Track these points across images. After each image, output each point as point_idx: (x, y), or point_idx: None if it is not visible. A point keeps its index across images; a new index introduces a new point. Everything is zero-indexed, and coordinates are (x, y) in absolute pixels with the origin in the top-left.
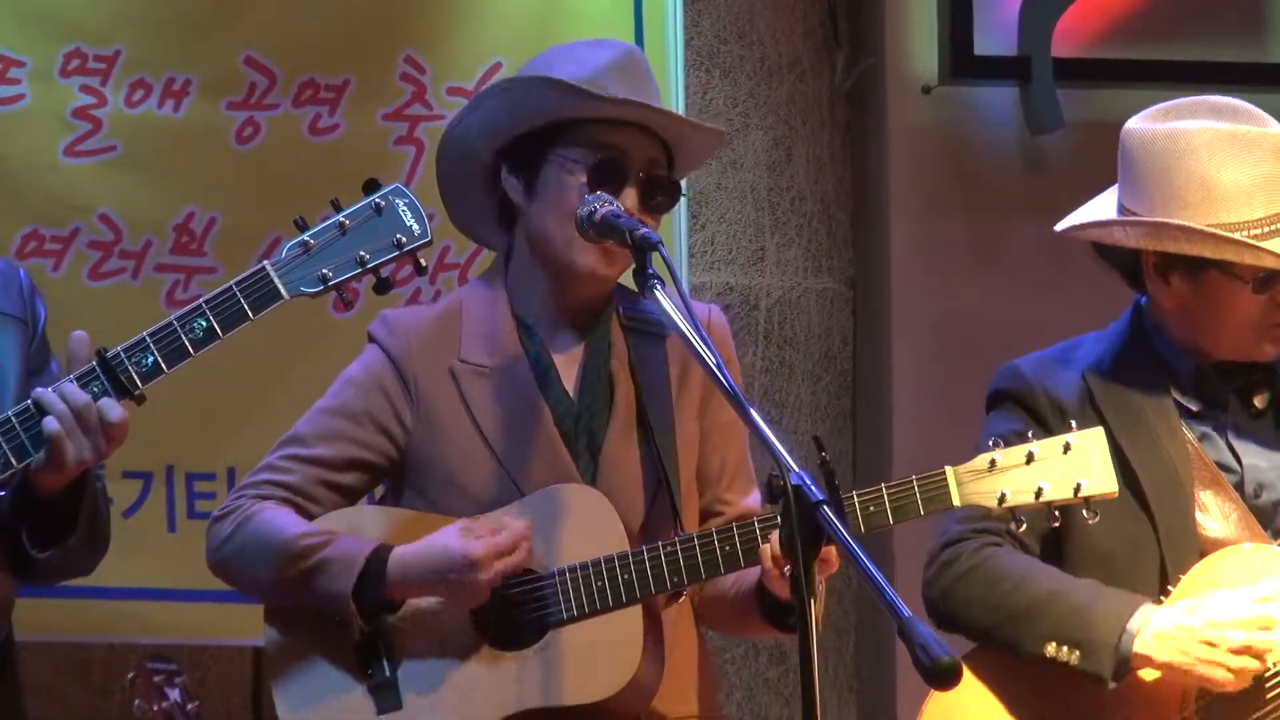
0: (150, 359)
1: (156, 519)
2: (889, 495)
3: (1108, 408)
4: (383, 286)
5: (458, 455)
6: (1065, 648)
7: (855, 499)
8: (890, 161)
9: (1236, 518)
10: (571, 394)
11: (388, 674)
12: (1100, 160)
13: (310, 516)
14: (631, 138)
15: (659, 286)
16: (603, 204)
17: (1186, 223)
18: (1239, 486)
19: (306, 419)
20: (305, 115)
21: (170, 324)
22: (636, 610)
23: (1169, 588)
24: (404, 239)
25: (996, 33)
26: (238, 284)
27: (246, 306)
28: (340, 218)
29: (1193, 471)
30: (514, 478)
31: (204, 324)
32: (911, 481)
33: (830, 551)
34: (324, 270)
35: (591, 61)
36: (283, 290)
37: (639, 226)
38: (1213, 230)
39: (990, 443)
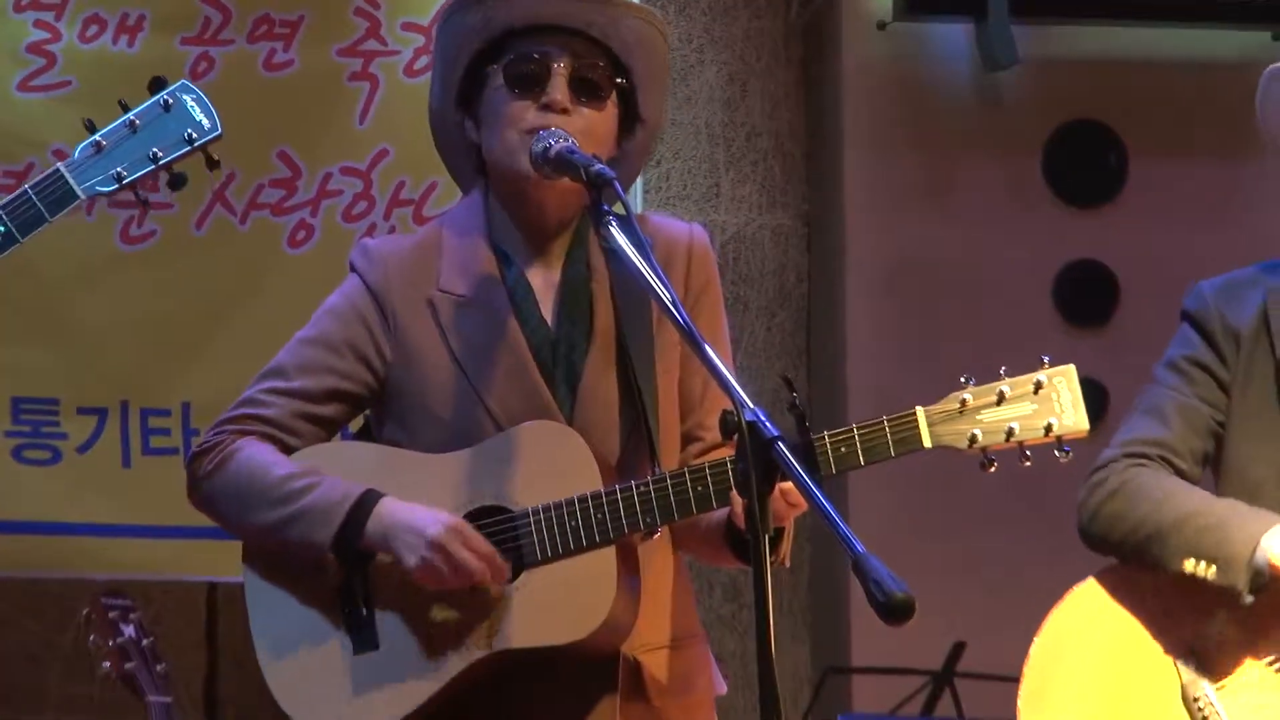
0: None
1: (111, 455)
2: (860, 436)
3: (1278, 330)
4: (177, 182)
5: (435, 386)
6: (1203, 563)
7: (827, 439)
8: (845, 98)
9: None
10: (550, 322)
11: (365, 615)
12: (1055, 97)
13: (290, 450)
14: (551, 39)
15: (614, 221)
16: (557, 140)
17: None
18: None
19: (287, 349)
20: (260, 51)
21: None
22: (610, 550)
23: None
24: (194, 134)
25: None
26: (32, 187)
27: (43, 208)
28: (130, 116)
29: None
30: (489, 409)
31: (1, 229)
32: (883, 422)
33: (794, 492)
34: (118, 169)
35: None
36: (78, 190)
37: (594, 162)
38: None
39: (962, 380)
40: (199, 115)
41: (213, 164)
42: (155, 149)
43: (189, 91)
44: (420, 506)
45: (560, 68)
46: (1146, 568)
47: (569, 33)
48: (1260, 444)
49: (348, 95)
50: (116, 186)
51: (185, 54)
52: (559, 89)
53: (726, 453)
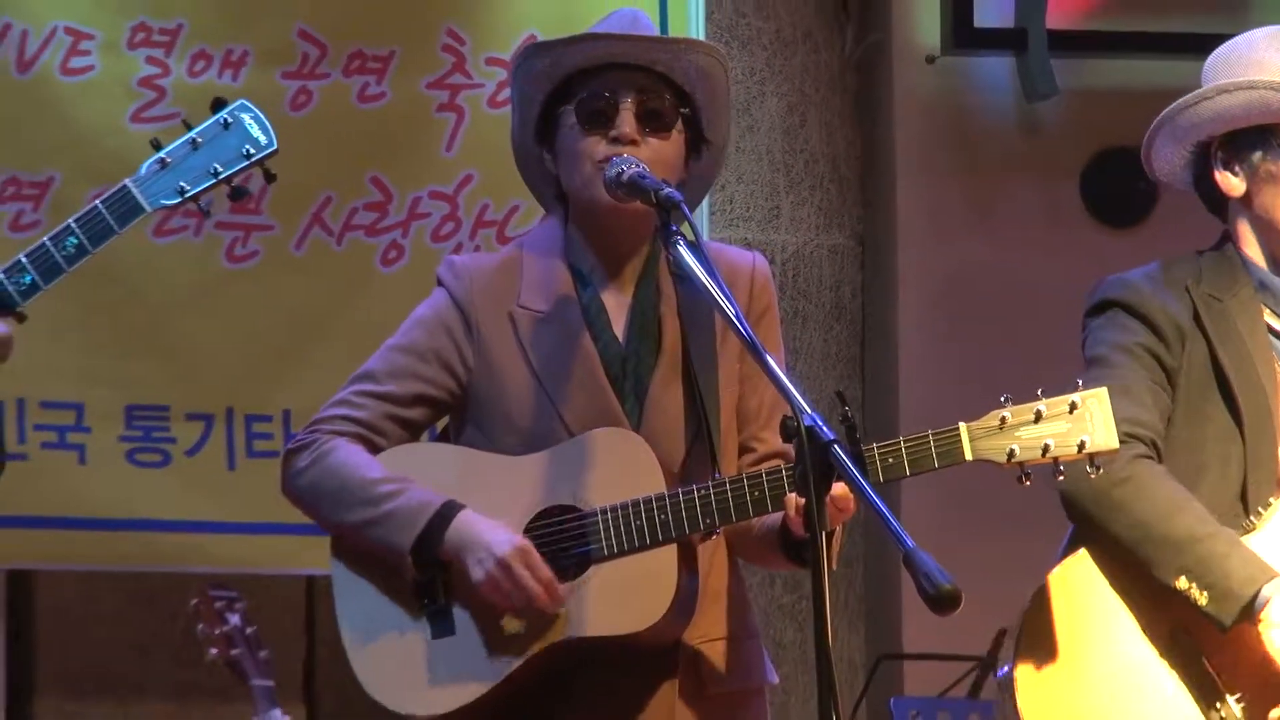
0: (28, 278)
1: (217, 458)
2: (906, 448)
3: (1210, 326)
4: (237, 194)
5: (513, 393)
6: (1196, 586)
7: (875, 451)
8: (896, 126)
9: None
10: (621, 339)
11: (443, 604)
12: (1091, 125)
13: (378, 449)
14: (616, 76)
15: (682, 242)
16: (629, 165)
17: (1235, 79)
18: None
19: (378, 356)
20: (354, 84)
21: (44, 244)
22: (672, 548)
23: (1252, 516)
24: (252, 149)
25: (994, 6)
26: (103, 202)
27: (112, 221)
28: (192, 135)
29: (1278, 393)
30: (563, 417)
31: (74, 241)
32: (928, 436)
33: (846, 496)
34: (181, 183)
35: (591, 29)
36: (144, 203)
37: (662, 186)
38: (1256, 82)
39: (1002, 399)
40: (256, 132)
41: (270, 177)
42: (216, 164)
43: (247, 110)
44: (495, 523)
45: (627, 103)
46: (1129, 557)
47: (633, 69)
48: (1203, 429)
49: (436, 125)
50: (180, 200)
51: (285, 87)
52: (627, 123)
53: (780, 463)
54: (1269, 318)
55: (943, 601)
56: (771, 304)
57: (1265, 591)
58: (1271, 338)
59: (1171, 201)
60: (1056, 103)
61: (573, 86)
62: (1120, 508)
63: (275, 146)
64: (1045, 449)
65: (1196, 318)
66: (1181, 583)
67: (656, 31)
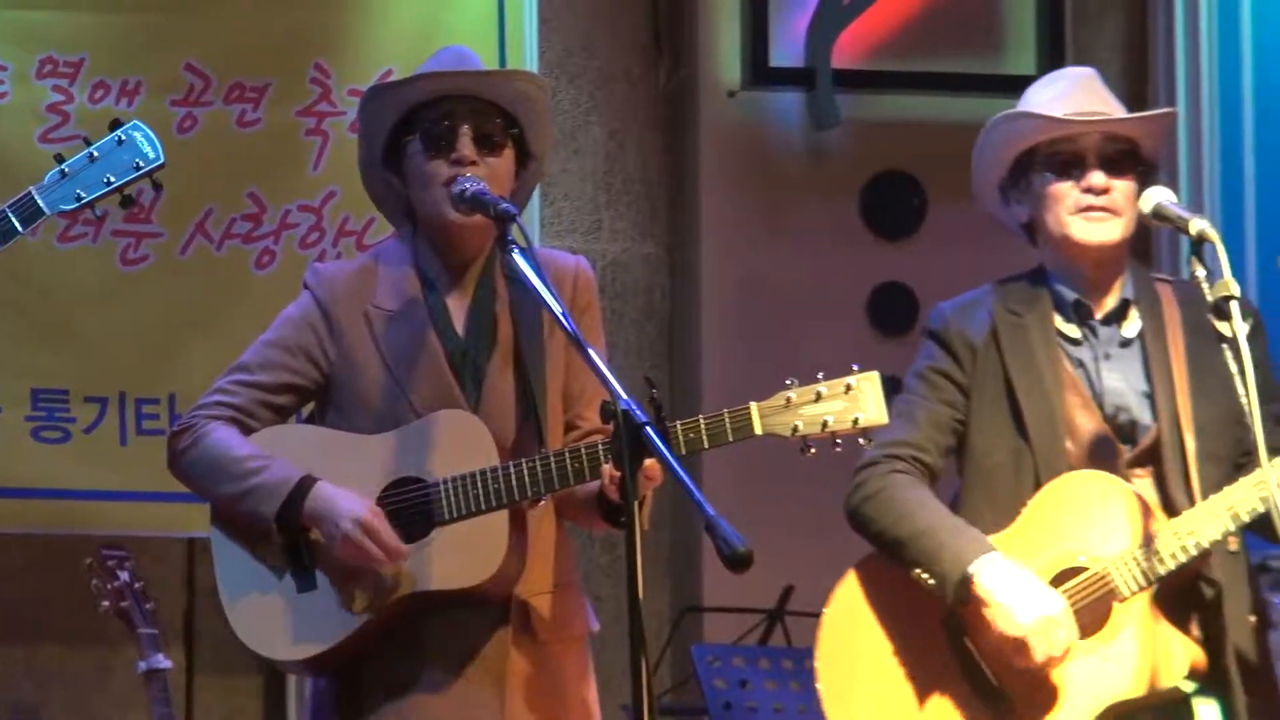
0: None
1: (111, 435)
2: (705, 424)
3: (1005, 341)
4: (126, 202)
5: (368, 381)
6: (926, 575)
7: (679, 427)
8: (701, 151)
9: (1099, 437)
10: (461, 334)
11: (306, 563)
12: (869, 151)
13: (250, 431)
14: (452, 106)
15: (517, 250)
16: (472, 184)
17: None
18: (1101, 407)
19: (251, 350)
20: (234, 111)
21: None
22: (504, 513)
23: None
24: (141, 163)
25: (788, 48)
26: (9, 206)
27: (16, 223)
28: (91, 150)
29: (1066, 397)
30: (411, 401)
31: None
32: (723, 414)
33: (655, 469)
34: (78, 191)
35: (423, 69)
36: (44, 208)
37: (500, 202)
38: (1018, 111)
39: (787, 381)
40: (146, 148)
41: (157, 187)
42: (109, 175)
43: (139, 129)
44: (348, 493)
45: (464, 129)
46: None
47: (466, 98)
48: (995, 436)
49: (304, 147)
50: (76, 205)
51: (174, 113)
52: (465, 146)
53: (599, 438)
54: (1062, 326)
55: (738, 562)
56: (593, 301)
57: (971, 569)
58: (1065, 345)
59: (937, 218)
60: (840, 132)
61: (415, 118)
62: (872, 519)
63: (162, 160)
64: (824, 424)
65: (994, 334)
66: (915, 572)
67: (481, 65)
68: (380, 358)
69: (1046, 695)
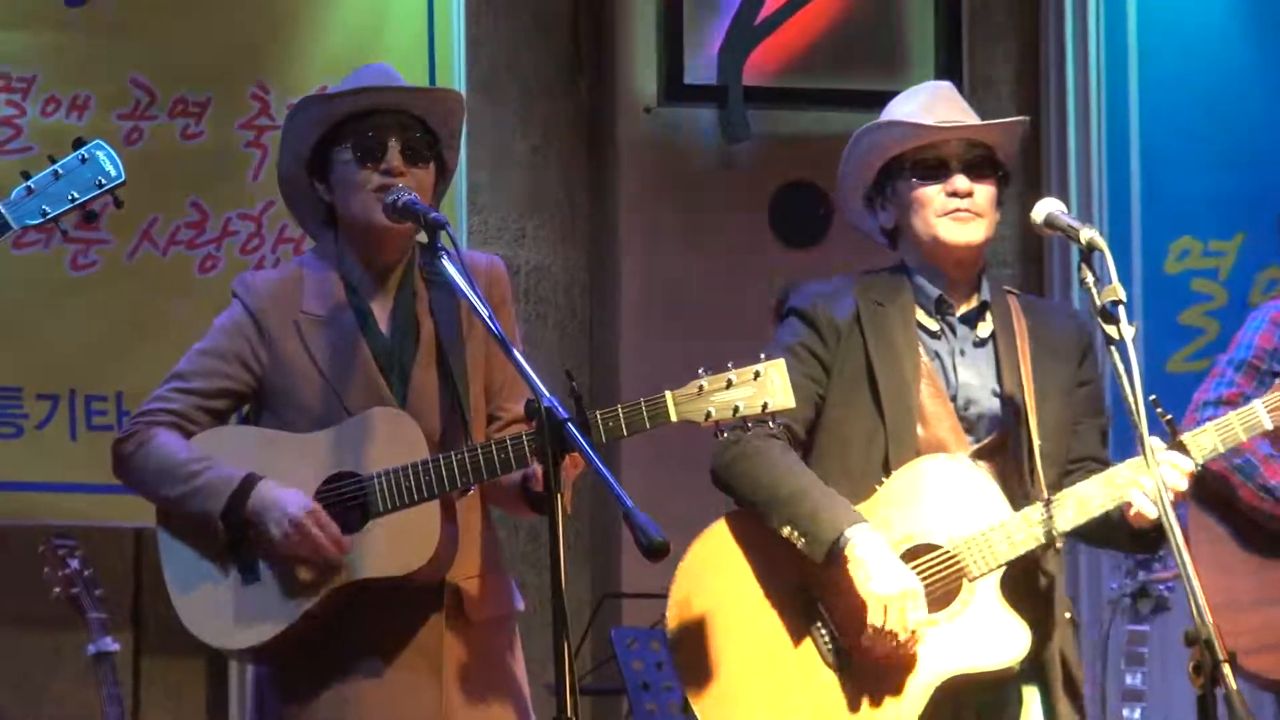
0: None
1: (62, 430)
2: (623, 413)
3: (868, 327)
4: (90, 217)
5: (301, 383)
6: (796, 533)
7: (598, 416)
8: (620, 163)
9: (948, 426)
10: (386, 334)
11: (249, 558)
12: (777, 163)
13: (190, 434)
14: (382, 120)
15: (444, 255)
16: (404, 194)
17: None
18: (953, 399)
19: (186, 358)
20: (178, 124)
21: None
22: (435, 503)
23: (883, 479)
24: (104, 180)
25: (701, 66)
26: None
27: None
28: (55, 167)
29: (921, 385)
30: (343, 400)
31: None
32: (640, 403)
33: (577, 461)
34: (44, 207)
35: (349, 83)
36: (11, 222)
37: (430, 210)
38: (887, 120)
39: (700, 371)
40: (108, 166)
41: (119, 203)
42: (73, 192)
43: (101, 149)
44: (289, 489)
45: (393, 142)
46: (757, 520)
47: (395, 113)
48: (852, 413)
49: (244, 158)
50: (42, 220)
51: (121, 126)
52: (395, 158)
53: (521, 429)
54: (922, 318)
55: (654, 551)
56: (507, 296)
57: (847, 534)
58: (923, 335)
59: (841, 227)
60: (750, 145)
61: (344, 130)
62: (744, 476)
63: (124, 178)
64: (736, 410)
65: (858, 319)
66: (786, 531)
67: (405, 82)
68: (311, 360)
69: (891, 662)
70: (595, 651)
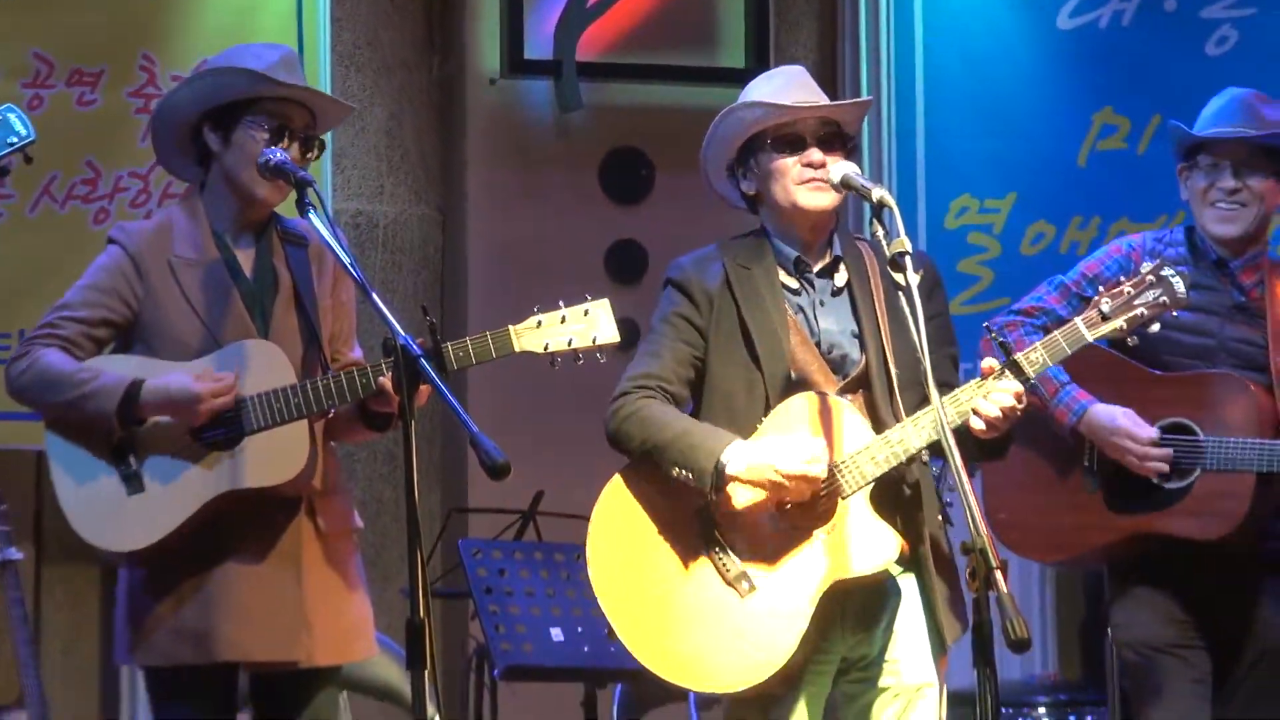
0: None
1: None
2: (471, 344)
3: (738, 289)
4: (2, 173)
5: (175, 317)
6: (684, 470)
7: (449, 346)
8: (468, 129)
9: (817, 368)
10: (250, 280)
11: (134, 468)
12: (607, 130)
13: (76, 357)
14: (294, 109)
15: (312, 211)
16: (276, 154)
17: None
18: (818, 345)
19: (72, 292)
20: (75, 92)
21: None
22: (304, 422)
23: (763, 418)
24: (14, 139)
25: (539, 43)
26: None
27: None
28: None
29: (790, 336)
30: (214, 334)
31: None
32: (486, 335)
33: (427, 392)
34: None
35: (267, 58)
36: None
37: (299, 170)
38: (751, 101)
39: (536, 309)
40: (19, 126)
41: (28, 160)
42: None
43: (12, 110)
44: (172, 375)
45: (299, 128)
46: (651, 469)
47: (302, 106)
48: (731, 367)
49: (134, 123)
50: None
51: (24, 94)
52: (295, 149)
53: (365, 365)
54: (785, 279)
55: (497, 472)
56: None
57: (722, 458)
58: (787, 295)
59: (663, 186)
60: (582, 114)
61: (256, 103)
62: (631, 435)
63: (34, 137)
64: (569, 341)
65: (728, 283)
66: (676, 471)
67: (301, 65)
68: (185, 297)
69: (781, 574)
70: (444, 560)
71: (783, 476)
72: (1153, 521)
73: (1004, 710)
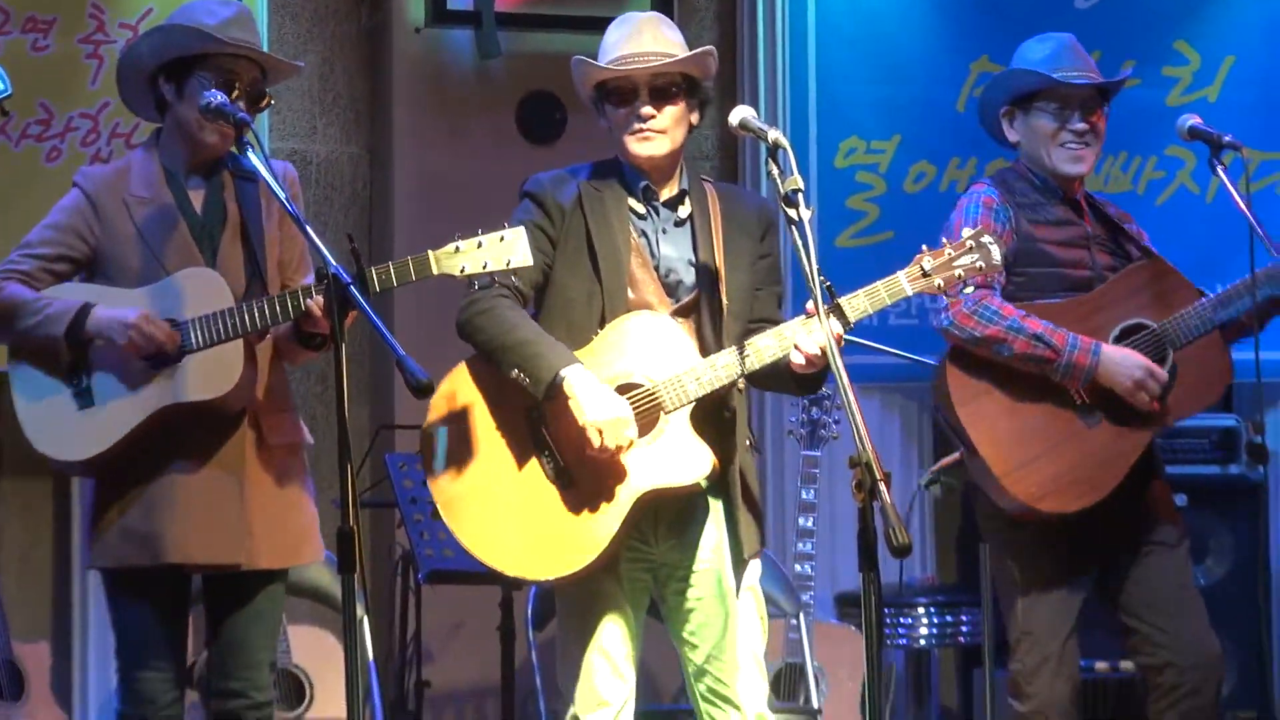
0: None
1: None
2: (393, 267)
3: (588, 207)
4: None
5: (127, 250)
6: (522, 374)
7: (373, 270)
8: (394, 74)
9: (653, 289)
10: (199, 214)
11: (85, 385)
12: (523, 75)
13: (36, 289)
14: (242, 65)
15: (250, 149)
16: (216, 97)
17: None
18: (657, 269)
19: (35, 231)
20: (29, 39)
21: None
22: (240, 342)
23: (598, 331)
24: None
25: None
26: None
27: None
28: None
29: (631, 255)
30: (162, 264)
31: None
32: (407, 259)
33: (355, 316)
34: None
35: (220, 14)
36: None
37: (238, 111)
38: (584, 59)
39: (457, 235)
40: None
41: (4, 113)
42: None
43: None
44: (120, 307)
45: (245, 82)
46: (492, 365)
47: (253, 62)
48: (575, 278)
49: (84, 68)
50: None
51: None
52: (242, 99)
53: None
54: (632, 203)
55: (421, 390)
56: (298, 193)
57: (562, 373)
58: (632, 217)
59: (574, 128)
60: (501, 61)
61: (206, 57)
62: (481, 329)
63: (10, 91)
64: (485, 265)
65: (580, 201)
66: (514, 374)
67: (255, 21)
68: (137, 232)
69: (603, 478)
70: (373, 473)
71: (591, 427)
72: (1165, 418)
73: (886, 610)
